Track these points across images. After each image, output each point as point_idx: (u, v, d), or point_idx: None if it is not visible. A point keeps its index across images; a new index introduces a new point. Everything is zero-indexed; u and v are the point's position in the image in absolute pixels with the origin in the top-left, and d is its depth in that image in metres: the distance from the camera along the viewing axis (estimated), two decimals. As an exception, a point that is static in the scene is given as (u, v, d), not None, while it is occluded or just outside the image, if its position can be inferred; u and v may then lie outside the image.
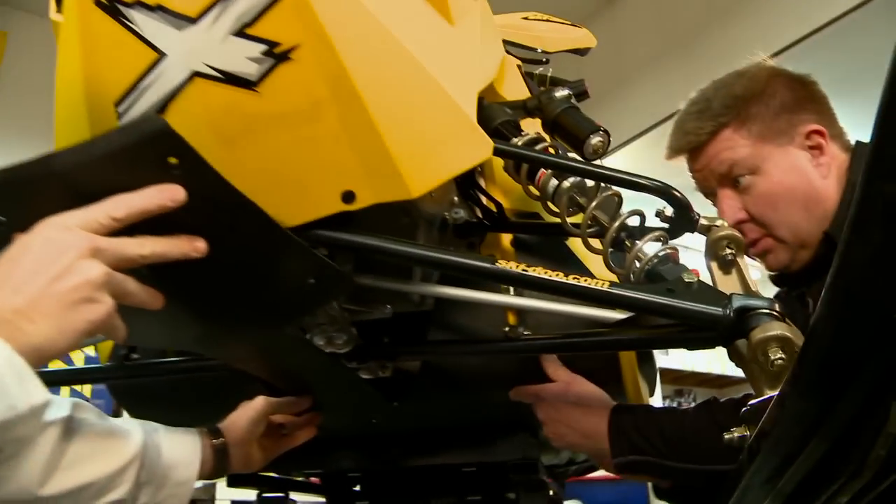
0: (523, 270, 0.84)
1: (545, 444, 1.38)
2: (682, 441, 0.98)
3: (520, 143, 1.02)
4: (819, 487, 0.64)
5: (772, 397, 0.69)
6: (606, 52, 5.34)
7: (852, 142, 1.27)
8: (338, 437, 1.45)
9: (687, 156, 1.31)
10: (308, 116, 0.82)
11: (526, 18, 1.71)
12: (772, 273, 1.32)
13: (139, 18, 0.78)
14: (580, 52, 1.73)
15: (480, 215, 1.13)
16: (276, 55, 0.78)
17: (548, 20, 1.74)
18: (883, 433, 0.56)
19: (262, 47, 0.78)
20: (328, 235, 0.88)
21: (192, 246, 0.73)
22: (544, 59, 1.73)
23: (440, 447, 1.40)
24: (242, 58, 0.78)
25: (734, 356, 0.84)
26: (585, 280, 0.83)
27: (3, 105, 4.69)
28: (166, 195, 0.70)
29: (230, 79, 0.79)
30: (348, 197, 0.85)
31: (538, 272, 0.84)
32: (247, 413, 1.13)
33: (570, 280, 0.83)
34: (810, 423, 0.58)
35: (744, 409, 0.73)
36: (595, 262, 1.04)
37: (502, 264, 0.85)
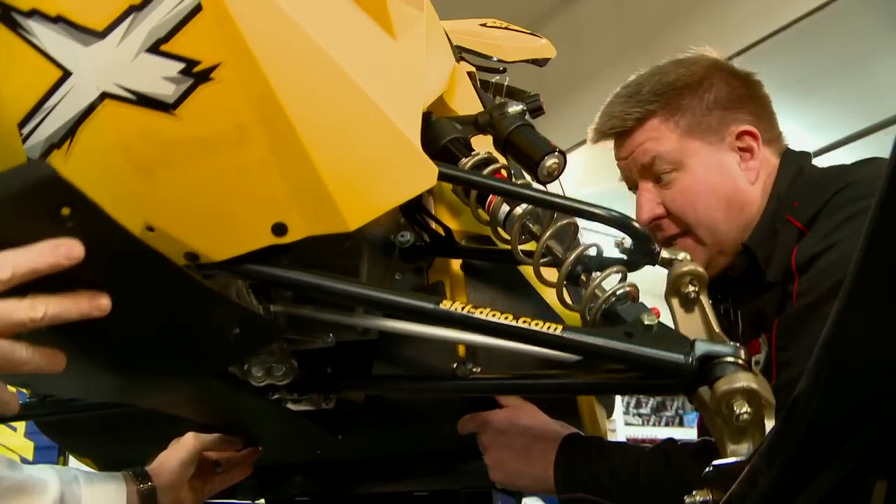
0: (468, 312, 0.77)
1: None
2: (633, 485, 0.91)
3: (468, 165, 0.95)
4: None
5: (738, 462, 0.63)
6: (566, 52, 5.30)
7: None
8: (284, 465, 1.38)
9: (613, 142, 1.23)
10: (233, 142, 0.74)
11: (484, 25, 1.64)
12: None
13: (38, 30, 0.69)
14: (539, 62, 1.67)
15: (428, 239, 1.06)
16: (196, 75, 0.70)
17: (506, 27, 1.67)
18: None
19: (180, 66, 0.70)
20: (259, 270, 0.80)
21: (93, 304, 0.63)
22: (501, 69, 1.67)
23: (391, 475, 1.34)
24: (158, 77, 0.70)
25: (697, 404, 0.78)
26: (536, 324, 0.76)
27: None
28: (60, 252, 0.59)
29: (144, 101, 0.71)
30: (279, 229, 0.78)
31: (484, 314, 0.77)
32: (177, 453, 1.06)
33: (521, 324, 0.76)
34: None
35: (707, 469, 0.67)
36: (550, 291, 0.98)
37: (446, 305, 0.78)
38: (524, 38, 1.69)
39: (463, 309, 0.77)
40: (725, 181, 1.14)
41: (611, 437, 1.14)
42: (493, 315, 0.77)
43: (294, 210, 0.77)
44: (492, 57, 1.62)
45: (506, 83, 1.75)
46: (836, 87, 4.73)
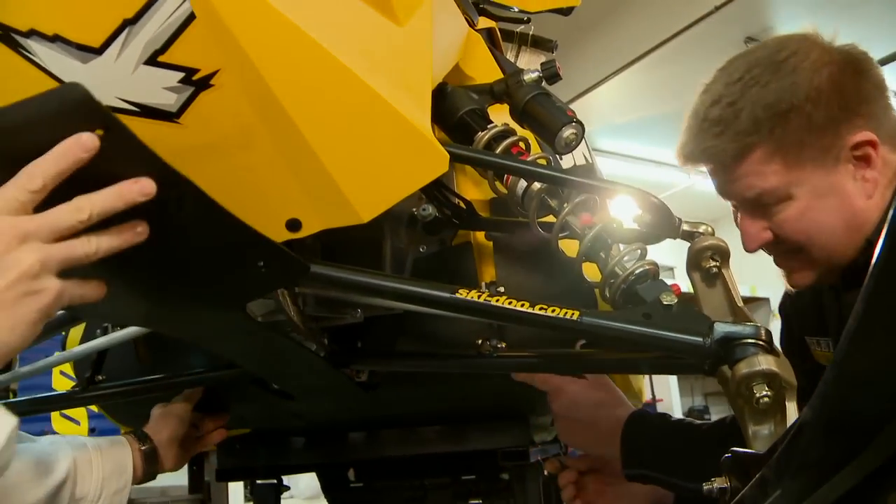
0: (486, 301, 0.77)
1: (537, 425, 1.34)
2: (693, 461, 0.90)
3: (485, 139, 0.93)
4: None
5: (754, 454, 0.63)
6: (602, -24, 5.15)
7: None
8: (329, 429, 1.42)
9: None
10: (239, 144, 0.74)
11: (507, -25, 1.59)
12: None
13: (39, 49, 0.69)
14: (563, 11, 1.61)
15: (448, 212, 1.05)
16: (196, 82, 0.70)
17: (528, -24, 1.61)
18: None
19: (179, 75, 0.70)
20: None
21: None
22: (525, 19, 1.62)
23: (431, 437, 1.37)
24: (158, 88, 0.70)
25: (721, 382, 0.77)
26: (553, 311, 0.76)
27: None
28: (77, 146, 0.61)
29: (147, 112, 0.71)
30: (293, 225, 0.79)
31: (500, 302, 0.77)
32: (171, 414, 1.15)
33: (538, 311, 0.76)
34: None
35: (726, 456, 0.67)
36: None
37: (462, 294, 0.78)
38: (547, -14, 1.63)
39: (479, 297, 0.77)
40: (840, 204, 1.03)
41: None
42: (510, 303, 0.77)
43: (307, 205, 0.77)
44: (514, 8, 1.58)
45: (531, 31, 1.71)
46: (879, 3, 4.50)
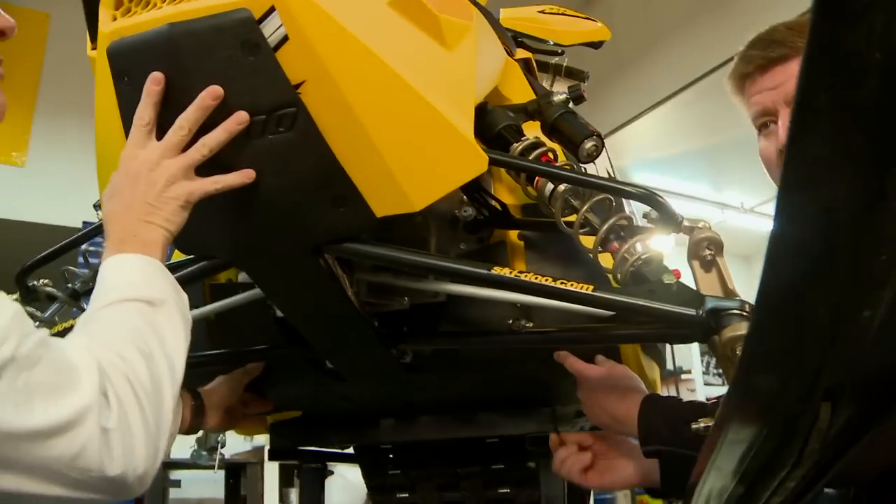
0: (516, 276, 0.93)
1: (562, 417, 1.48)
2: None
3: (519, 149, 1.10)
4: (769, 474, 0.73)
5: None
6: (637, 14, 5.33)
7: None
8: (369, 413, 1.58)
9: (755, 76, 1.27)
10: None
11: (542, 12, 1.77)
12: None
13: None
14: (594, 45, 1.78)
15: (487, 213, 1.21)
16: (286, 90, 0.88)
17: (562, 13, 1.79)
18: (815, 429, 0.64)
19: (274, 83, 0.88)
20: (348, 248, 0.99)
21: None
22: (560, 52, 1.79)
23: (464, 422, 1.51)
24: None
25: (712, 349, 0.92)
26: (571, 285, 0.91)
27: (49, 88, 4.88)
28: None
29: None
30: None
31: (529, 277, 0.93)
32: (228, 382, 1.34)
33: (559, 285, 0.92)
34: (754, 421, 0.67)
35: (710, 401, 0.82)
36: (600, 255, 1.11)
37: (497, 270, 0.94)
38: (579, 21, 1.81)
39: (511, 273, 0.93)
40: None
41: (690, 397, 1.25)
42: (536, 278, 0.93)
43: (372, 196, 0.94)
44: (549, 41, 1.75)
45: (564, 63, 1.89)
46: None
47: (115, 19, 0.91)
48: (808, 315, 0.54)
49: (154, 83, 0.86)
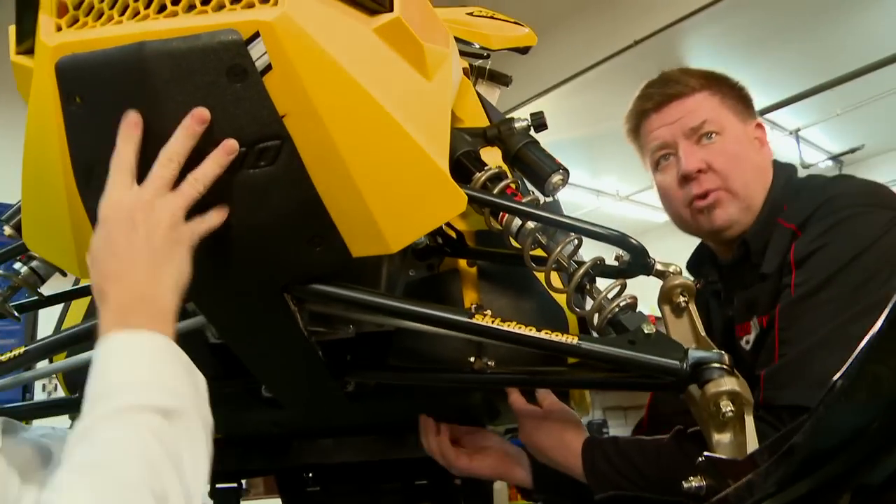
0: (498, 325, 0.89)
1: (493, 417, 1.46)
2: (659, 478, 1.05)
3: (482, 179, 1.05)
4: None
5: (729, 459, 0.78)
6: (524, 4, 5.37)
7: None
8: (295, 436, 1.50)
9: (653, 114, 1.37)
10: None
11: (471, 14, 1.72)
12: (688, 266, 1.47)
13: None
14: (521, 50, 1.76)
15: (440, 241, 1.17)
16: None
17: (491, 16, 1.75)
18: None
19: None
20: (315, 289, 0.92)
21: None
22: (485, 55, 1.76)
23: (392, 444, 1.47)
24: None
25: (687, 398, 0.92)
26: (556, 335, 0.89)
27: None
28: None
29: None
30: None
31: (512, 327, 0.89)
32: None
33: (543, 335, 0.89)
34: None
35: (701, 459, 0.82)
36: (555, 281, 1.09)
37: (478, 319, 0.90)
38: (508, 26, 1.78)
39: (493, 322, 0.90)
40: (754, 152, 1.34)
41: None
42: (519, 328, 0.89)
43: (349, 236, 0.88)
44: (475, 44, 1.71)
45: (488, 66, 1.86)
46: (789, 46, 4.91)
47: (59, 29, 0.79)
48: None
49: (132, 126, 0.75)
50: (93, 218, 0.85)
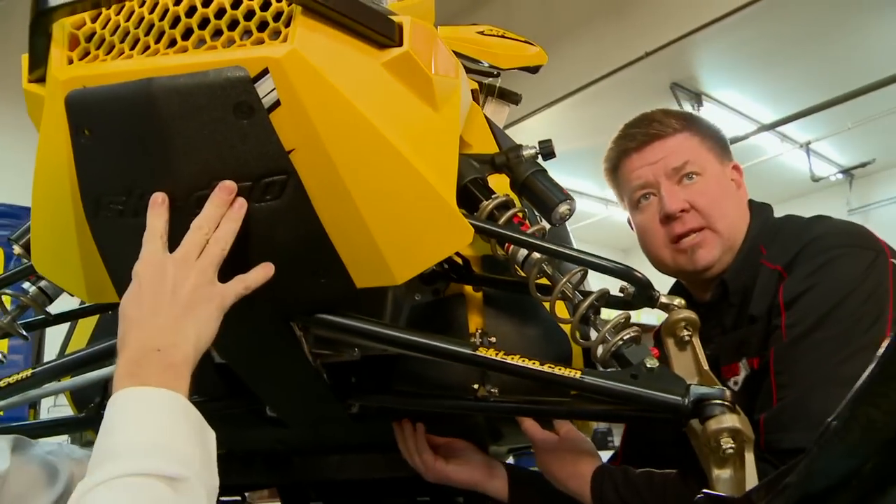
0: (502, 358, 0.90)
1: (494, 452, 1.47)
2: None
3: (489, 208, 1.05)
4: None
5: (728, 497, 0.78)
6: (537, 14, 5.37)
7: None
8: (298, 453, 1.51)
9: (634, 154, 1.37)
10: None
11: (481, 33, 1.73)
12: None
13: None
14: (531, 69, 1.76)
15: (447, 266, 1.17)
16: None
17: (502, 35, 1.76)
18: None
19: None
20: (321, 319, 0.92)
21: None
22: (495, 73, 1.76)
23: (395, 462, 1.47)
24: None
25: (688, 432, 0.92)
26: (559, 369, 0.89)
27: None
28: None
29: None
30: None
31: (515, 360, 0.90)
32: None
33: (546, 368, 0.89)
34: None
35: (699, 496, 0.82)
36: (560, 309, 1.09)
37: (483, 352, 0.91)
38: (518, 45, 1.78)
39: (497, 355, 0.90)
40: (732, 192, 1.36)
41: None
42: (523, 361, 0.90)
43: (353, 268, 0.88)
44: (485, 62, 1.72)
45: (498, 84, 1.86)
46: (801, 59, 4.89)
47: (71, 62, 0.80)
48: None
49: (159, 204, 0.79)
50: (101, 247, 0.86)
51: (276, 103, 0.78)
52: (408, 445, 1.32)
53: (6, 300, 1.18)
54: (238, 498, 1.65)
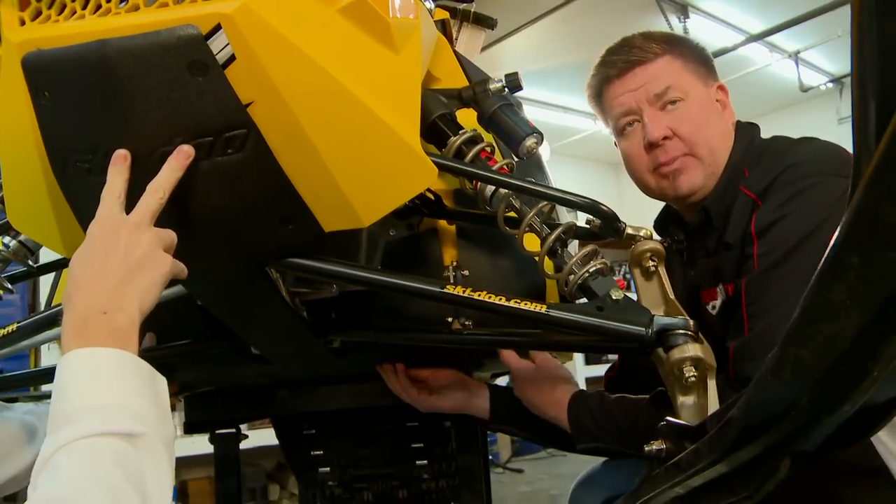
0: (469, 295, 0.93)
1: (477, 377, 1.52)
2: (635, 434, 1.09)
3: (457, 143, 1.07)
4: (718, 495, 0.79)
5: (687, 425, 0.82)
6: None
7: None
8: (286, 385, 1.56)
9: (616, 80, 1.37)
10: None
11: (451, -42, 1.69)
12: (655, 225, 1.49)
13: None
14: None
15: (418, 201, 1.19)
16: (233, 111, 0.81)
17: (474, -41, 1.72)
18: (773, 477, 0.70)
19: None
20: (291, 262, 0.95)
21: (185, 155, 0.80)
22: (469, -1, 1.74)
23: (382, 391, 1.52)
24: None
25: (655, 360, 0.96)
26: (525, 304, 0.92)
27: None
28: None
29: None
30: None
31: (483, 296, 0.93)
32: None
33: (512, 304, 0.92)
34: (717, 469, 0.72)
35: (662, 424, 0.86)
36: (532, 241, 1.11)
37: (450, 289, 0.93)
38: (491, -30, 1.75)
39: (464, 292, 0.93)
40: (717, 116, 1.35)
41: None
42: (490, 297, 0.93)
43: (320, 212, 0.90)
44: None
45: (472, 9, 1.84)
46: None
47: (23, 23, 0.79)
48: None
49: (121, 160, 0.79)
50: (72, 204, 0.87)
51: (231, 58, 0.78)
52: (394, 385, 1.38)
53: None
54: (233, 430, 1.70)
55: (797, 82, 6.47)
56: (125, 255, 0.75)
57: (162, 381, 0.75)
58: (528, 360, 1.27)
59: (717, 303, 1.22)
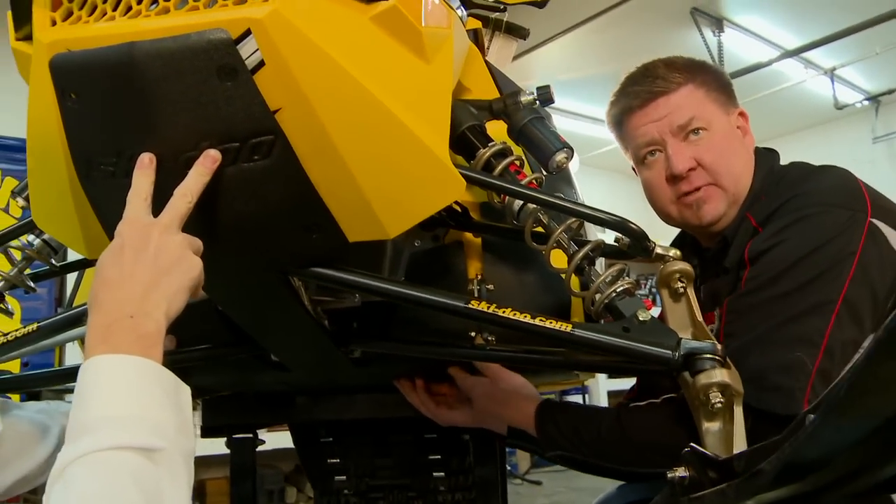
0: (494, 311, 0.91)
1: None
2: (598, 446, 1.13)
3: (486, 155, 1.05)
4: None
5: (713, 456, 0.80)
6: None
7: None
8: (305, 393, 1.55)
9: (638, 111, 1.35)
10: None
11: (485, -34, 1.68)
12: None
13: None
14: (538, 4, 1.72)
15: (444, 213, 1.17)
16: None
17: (507, -30, 1.71)
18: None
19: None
20: (316, 272, 0.93)
21: (212, 160, 0.79)
22: (501, 8, 1.72)
23: (401, 401, 1.51)
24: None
25: (681, 383, 0.93)
26: (550, 322, 0.90)
27: None
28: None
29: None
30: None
31: (507, 313, 0.91)
32: None
33: (537, 322, 0.90)
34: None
35: (686, 450, 0.84)
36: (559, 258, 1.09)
37: (474, 304, 0.91)
38: (524, -21, 1.73)
39: (489, 308, 0.91)
40: (739, 143, 1.34)
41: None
42: (515, 314, 0.91)
43: (345, 222, 0.89)
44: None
45: (505, 18, 1.83)
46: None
47: (54, 24, 0.79)
48: None
49: (146, 165, 0.79)
50: (95, 207, 0.87)
51: (260, 64, 0.77)
52: (412, 398, 1.39)
53: (16, 253, 1.20)
54: (250, 435, 1.69)
55: (832, 99, 6.36)
56: (155, 258, 0.74)
57: (186, 391, 0.73)
58: (477, 375, 1.28)
59: (715, 327, 1.21)
